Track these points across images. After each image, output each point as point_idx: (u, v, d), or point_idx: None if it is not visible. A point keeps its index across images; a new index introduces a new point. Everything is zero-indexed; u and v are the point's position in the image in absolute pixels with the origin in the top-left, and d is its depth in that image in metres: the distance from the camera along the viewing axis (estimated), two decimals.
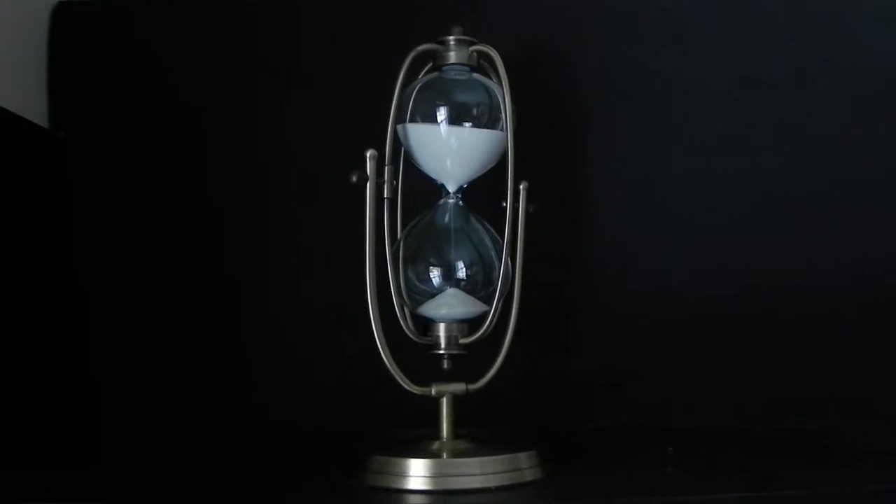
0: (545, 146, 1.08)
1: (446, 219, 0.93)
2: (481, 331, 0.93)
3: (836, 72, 1.11)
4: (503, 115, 0.91)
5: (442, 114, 0.90)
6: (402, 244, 0.93)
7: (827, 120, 1.11)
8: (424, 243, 0.93)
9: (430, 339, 0.92)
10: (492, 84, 0.92)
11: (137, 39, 1.10)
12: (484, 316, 0.92)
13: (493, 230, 0.93)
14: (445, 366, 0.92)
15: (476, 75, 0.93)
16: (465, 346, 0.92)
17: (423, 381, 0.90)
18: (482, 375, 0.92)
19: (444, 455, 0.88)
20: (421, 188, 0.95)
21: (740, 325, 1.10)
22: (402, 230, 0.95)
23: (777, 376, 1.09)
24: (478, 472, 0.86)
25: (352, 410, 1.06)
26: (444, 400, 0.91)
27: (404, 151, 0.95)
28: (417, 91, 0.92)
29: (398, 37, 0.95)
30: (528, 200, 0.93)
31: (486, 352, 0.93)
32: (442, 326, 0.92)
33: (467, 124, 0.91)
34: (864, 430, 1.05)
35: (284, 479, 0.90)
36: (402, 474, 0.85)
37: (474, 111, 0.91)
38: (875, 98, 1.11)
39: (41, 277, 1.02)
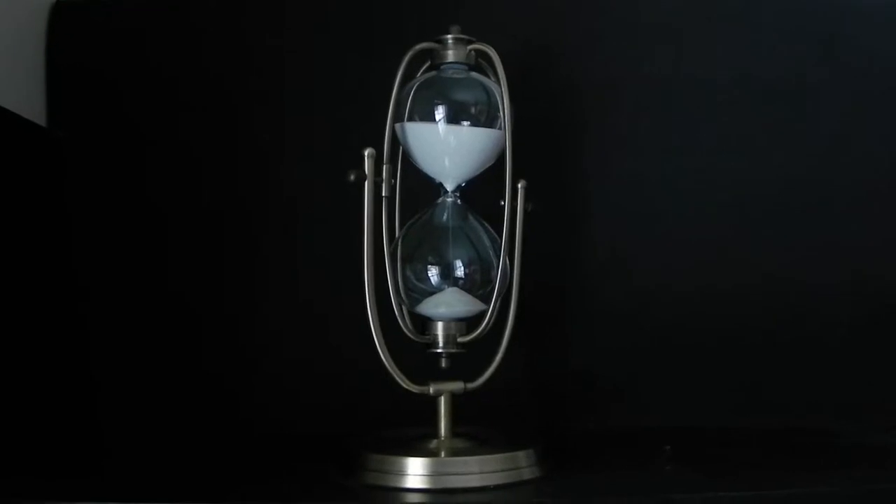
0: (543, 145, 1.08)
1: (444, 217, 0.93)
2: (479, 329, 0.93)
3: (835, 72, 1.11)
4: (501, 113, 0.91)
5: (440, 112, 0.90)
6: (400, 243, 0.93)
7: (825, 120, 1.11)
8: (423, 242, 0.93)
9: (428, 337, 0.92)
10: (490, 83, 0.92)
11: (135, 38, 1.10)
12: (482, 314, 0.92)
13: (491, 229, 0.93)
14: (444, 364, 0.92)
15: (474, 74, 0.93)
16: (463, 344, 0.92)
17: (422, 380, 0.90)
18: (480, 374, 0.92)
19: (443, 454, 0.88)
20: (419, 187, 0.95)
21: (738, 325, 1.10)
22: (401, 229, 0.95)
23: (775, 375, 1.10)
24: (476, 470, 0.86)
25: (350, 409, 1.06)
26: (443, 398, 0.91)
27: (402, 150, 0.95)
28: (415, 90, 0.92)
29: (396, 35, 0.95)
30: (527, 199, 0.93)
31: (484, 350, 0.93)
32: (440, 325, 0.92)
33: (465, 123, 0.91)
34: (861, 428, 1.05)
35: (282, 477, 0.90)
36: (401, 473, 0.86)
37: (472, 110, 0.91)
38: (873, 98, 1.12)
39: (39, 276, 1.02)
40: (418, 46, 0.92)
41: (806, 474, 0.90)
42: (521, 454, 0.88)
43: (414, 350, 0.92)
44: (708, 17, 1.12)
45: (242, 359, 1.08)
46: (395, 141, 0.92)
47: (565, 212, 1.10)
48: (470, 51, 0.92)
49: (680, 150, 1.11)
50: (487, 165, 0.93)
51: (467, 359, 0.92)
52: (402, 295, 0.92)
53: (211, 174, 1.10)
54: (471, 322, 0.93)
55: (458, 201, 0.94)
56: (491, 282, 0.92)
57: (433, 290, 0.91)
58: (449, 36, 0.92)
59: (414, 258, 0.92)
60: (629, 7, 1.12)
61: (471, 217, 0.94)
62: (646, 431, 1.05)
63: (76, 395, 1.05)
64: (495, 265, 0.92)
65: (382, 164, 0.90)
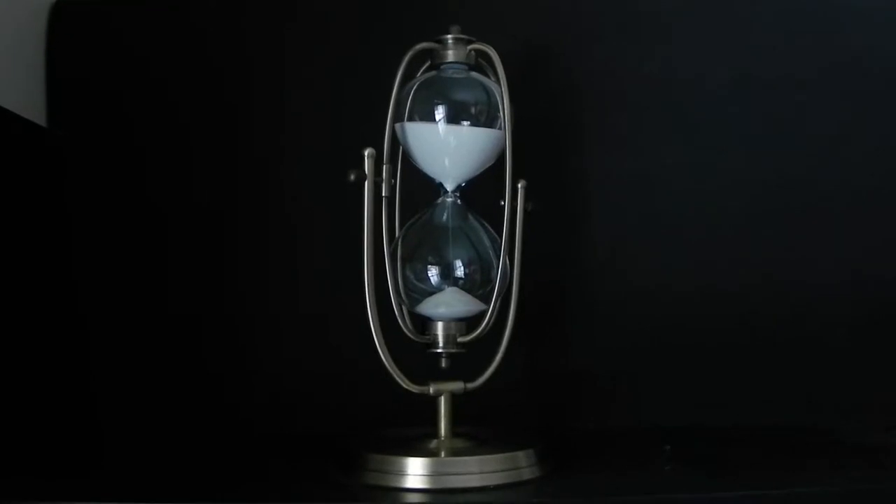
0: (543, 145, 1.08)
1: (444, 217, 0.93)
2: (479, 329, 0.93)
3: (834, 71, 1.11)
4: (501, 113, 0.91)
5: (440, 112, 0.91)
6: (400, 243, 0.93)
7: (825, 120, 1.11)
8: (423, 242, 0.93)
9: (428, 337, 0.92)
10: (490, 83, 0.92)
11: (135, 38, 1.10)
12: (482, 314, 0.93)
13: (491, 229, 0.93)
14: (444, 364, 0.92)
15: (474, 74, 0.93)
16: (463, 344, 0.92)
17: (422, 380, 0.90)
18: (480, 374, 0.92)
19: (443, 454, 0.88)
20: (419, 187, 0.95)
21: (738, 325, 1.10)
22: (401, 229, 0.95)
23: (775, 375, 1.09)
24: (476, 470, 0.86)
25: (350, 409, 1.06)
26: (443, 398, 0.91)
27: (402, 150, 0.95)
28: (415, 90, 0.92)
29: (396, 35, 0.94)
30: (527, 199, 0.93)
31: (484, 350, 0.93)
32: (440, 325, 0.92)
33: (465, 123, 0.91)
34: (861, 428, 1.05)
35: (282, 478, 0.91)
36: (401, 473, 0.86)
37: (472, 110, 0.91)
38: (873, 97, 1.12)
39: (39, 276, 1.02)
40: (418, 46, 0.92)
41: (806, 474, 0.90)
42: (520, 454, 0.88)
43: (414, 350, 0.92)
44: (708, 17, 1.12)
45: (242, 359, 1.08)
46: (395, 141, 0.92)
47: (565, 212, 1.10)
48: (470, 51, 0.92)
49: (680, 149, 1.11)
50: (487, 165, 0.93)
51: (467, 359, 0.93)
52: (402, 295, 0.92)
53: (211, 174, 1.10)
54: (471, 322, 0.93)
55: (458, 201, 0.94)
56: (491, 282, 0.92)
57: (433, 290, 0.92)
58: (449, 36, 0.92)
59: (414, 258, 0.92)
60: (629, 7, 1.12)
61: (471, 217, 0.94)
62: (646, 431, 1.05)
63: (76, 394, 1.05)
64: (495, 265, 0.92)
65: (382, 163, 0.90)
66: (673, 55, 1.11)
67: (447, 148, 0.91)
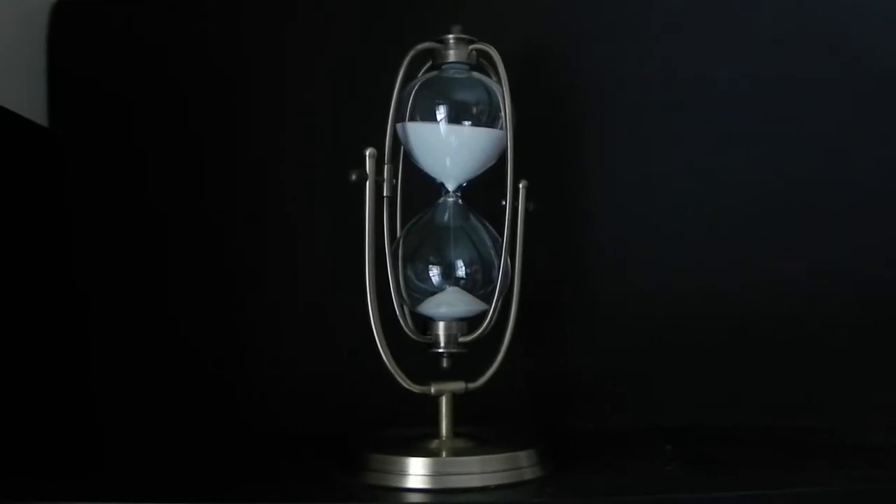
0: (543, 145, 1.08)
1: (446, 217, 0.93)
2: (481, 329, 0.93)
3: (835, 71, 1.11)
4: (503, 113, 0.91)
5: (441, 112, 0.90)
6: (401, 243, 0.93)
7: (825, 120, 1.11)
8: (424, 242, 0.93)
9: (429, 337, 0.92)
10: (491, 82, 0.92)
11: (135, 38, 1.10)
12: (483, 314, 0.92)
13: (492, 229, 0.93)
14: (445, 364, 0.92)
15: (475, 74, 0.93)
16: (464, 344, 0.92)
17: (423, 380, 0.90)
18: (482, 374, 0.92)
19: (444, 454, 0.88)
20: (420, 187, 0.95)
21: (738, 325, 1.10)
22: (402, 229, 0.95)
23: (775, 375, 1.09)
24: (477, 470, 0.86)
25: (351, 409, 1.06)
26: (444, 398, 0.91)
27: (404, 150, 0.95)
28: (417, 90, 0.92)
29: (397, 35, 0.94)
30: (528, 199, 0.93)
31: (485, 350, 0.93)
32: (441, 325, 0.92)
33: (467, 123, 0.91)
34: (861, 428, 1.05)
35: (283, 478, 0.90)
36: (402, 473, 0.86)
37: (474, 110, 0.91)
38: (874, 97, 1.12)
39: (39, 276, 1.02)
40: (420, 46, 0.92)
41: (806, 474, 0.90)
42: (522, 454, 0.88)
43: (415, 350, 0.92)
44: (708, 17, 1.12)
45: (242, 359, 1.08)
46: (397, 141, 0.92)
47: (565, 211, 1.10)
48: (471, 50, 0.92)
49: (680, 150, 1.11)
50: (489, 165, 0.93)
51: (468, 359, 0.92)
52: (404, 295, 0.92)
53: (211, 174, 1.10)
54: (472, 322, 0.93)
55: (460, 201, 0.94)
56: (492, 281, 0.92)
57: (434, 290, 0.91)
58: (450, 36, 0.92)
59: (415, 258, 0.92)
60: (629, 7, 1.12)
61: (472, 217, 0.94)
62: (646, 431, 1.05)
63: (76, 394, 1.05)
64: (496, 265, 0.92)
65: (384, 163, 0.90)
66: (673, 55, 1.11)
67: (448, 148, 0.91)
